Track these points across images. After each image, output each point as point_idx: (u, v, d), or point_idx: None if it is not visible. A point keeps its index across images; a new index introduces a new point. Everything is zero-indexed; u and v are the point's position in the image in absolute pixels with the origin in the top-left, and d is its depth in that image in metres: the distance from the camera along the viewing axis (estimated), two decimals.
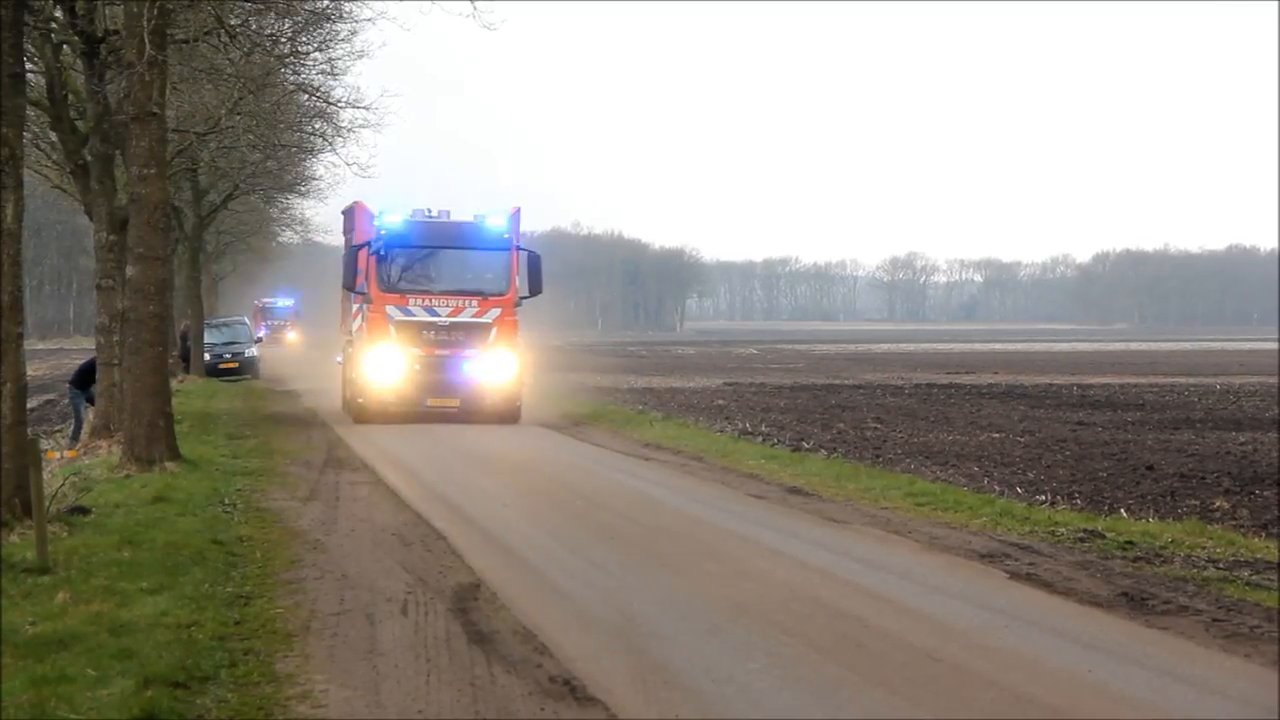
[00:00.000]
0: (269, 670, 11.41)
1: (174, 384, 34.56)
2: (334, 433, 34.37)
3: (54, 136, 32.87)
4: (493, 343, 36.32)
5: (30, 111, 27.98)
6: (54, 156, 35.83)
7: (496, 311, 36.45)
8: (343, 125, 47.02)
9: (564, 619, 13.39)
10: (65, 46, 30.33)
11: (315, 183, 66.77)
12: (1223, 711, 10.53)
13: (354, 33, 41.52)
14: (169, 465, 23.81)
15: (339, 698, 10.70)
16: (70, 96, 30.92)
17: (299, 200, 74.20)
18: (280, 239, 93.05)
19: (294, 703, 10.54)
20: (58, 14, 29.32)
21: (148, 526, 17.86)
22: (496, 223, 36.90)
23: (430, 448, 30.27)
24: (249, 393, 51.58)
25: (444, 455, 28.85)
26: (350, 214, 40.78)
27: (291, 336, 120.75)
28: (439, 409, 36.33)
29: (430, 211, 37.10)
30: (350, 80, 45.85)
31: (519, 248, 36.83)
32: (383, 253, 36.41)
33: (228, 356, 62.93)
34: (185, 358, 57.08)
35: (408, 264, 36.65)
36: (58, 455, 28.58)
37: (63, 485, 20.72)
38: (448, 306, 36.26)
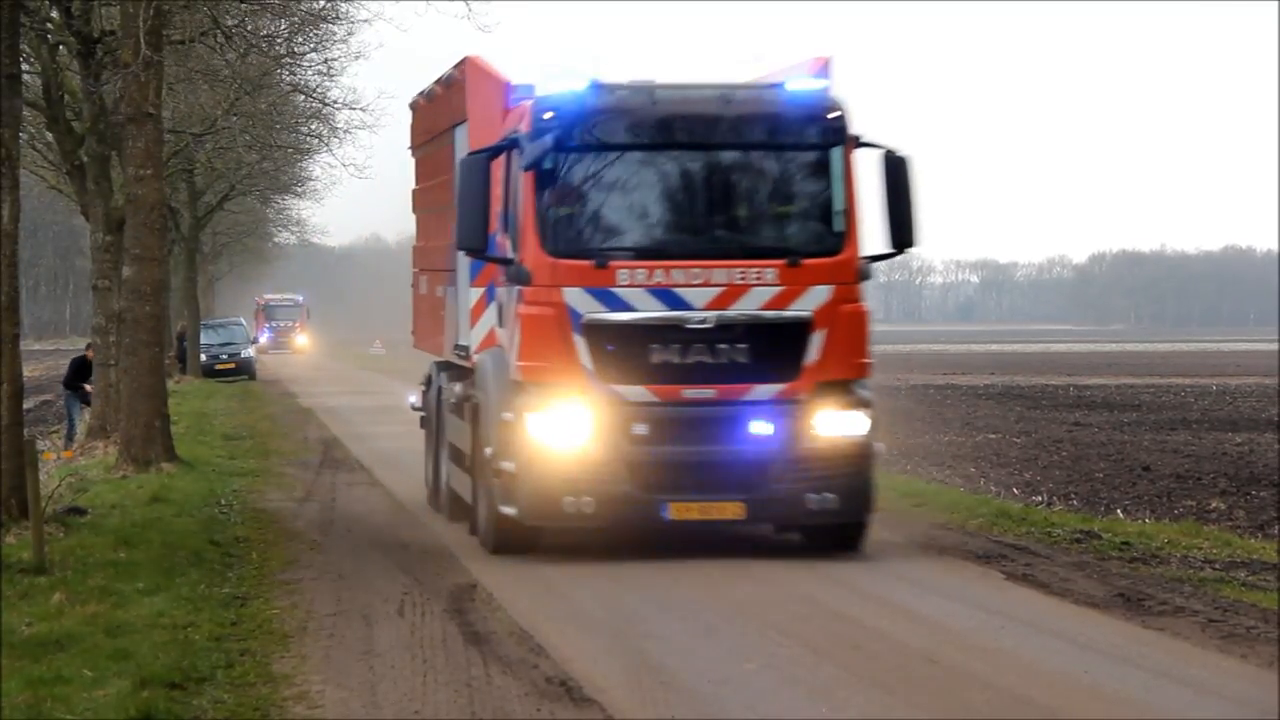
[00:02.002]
0: (265, 671, 11.42)
1: (171, 385, 34.50)
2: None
3: (50, 137, 32.81)
4: (814, 366, 16.44)
5: (26, 112, 27.94)
6: (50, 157, 35.77)
7: (820, 294, 16.44)
8: (339, 126, 47.04)
9: None
10: (61, 47, 30.29)
11: (311, 184, 66.82)
12: (1219, 712, 10.54)
13: (350, 34, 41.46)
14: (165, 466, 23.79)
15: (335, 698, 10.70)
16: (66, 97, 30.88)
17: (295, 201, 74.23)
18: (277, 239, 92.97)
19: (290, 703, 10.54)
20: (54, 14, 29.27)
21: (144, 527, 17.85)
22: (807, 87, 16.81)
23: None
24: (246, 393, 51.54)
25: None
26: (450, 92, 19.62)
27: (301, 341, 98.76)
28: (694, 524, 16.57)
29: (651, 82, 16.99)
30: (346, 81, 46.18)
31: (859, 140, 16.78)
32: (554, 165, 16.36)
33: (224, 357, 62.87)
34: (182, 358, 57.03)
35: (613, 190, 16.63)
36: (54, 456, 28.58)
37: (59, 486, 20.70)
38: (707, 287, 16.32)
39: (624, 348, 16.12)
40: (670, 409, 16.18)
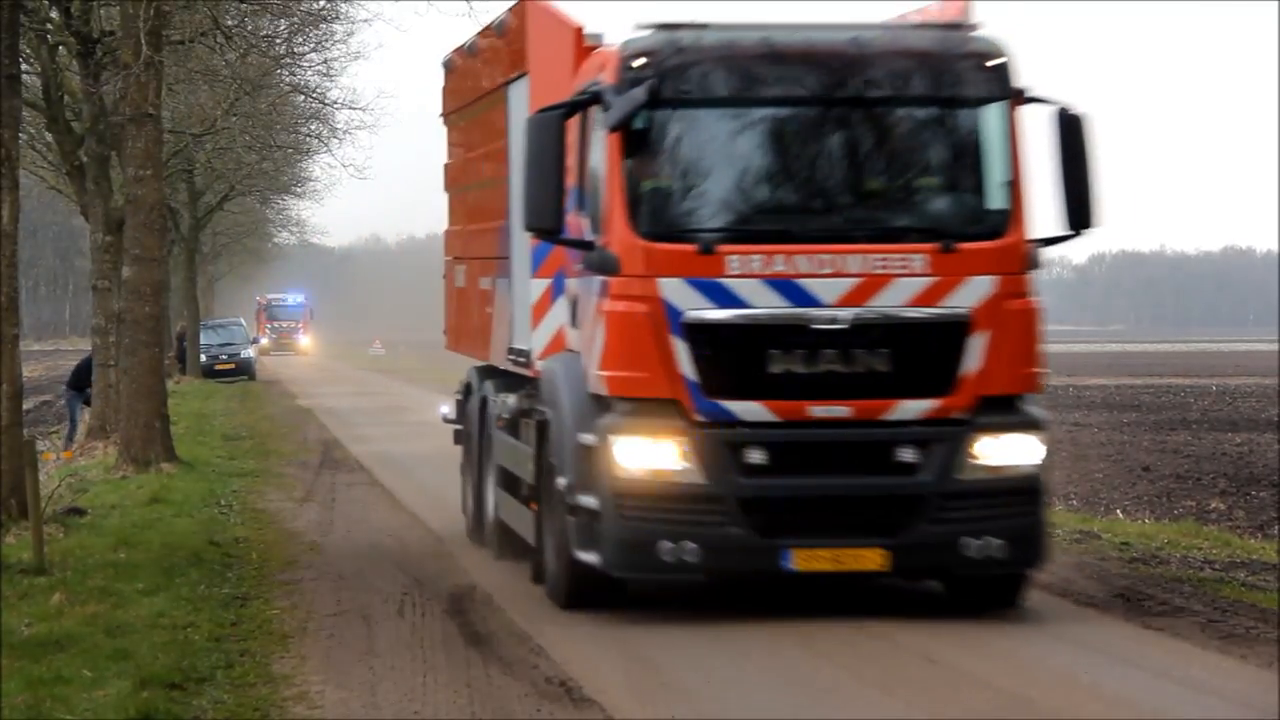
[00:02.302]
0: (265, 671, 11.41)
1: (170, 385, 34.49)
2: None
3: (50, 137, 32.82)
4: (973, 376, 13.17)
5: (26, 112, 27.95)
6: (50, 157, 35.79)
7: (980, 286, 13.19)
8: (339, 126, 47.09)
9: None
10: (61, 47, 30.29)
11: (311, 184, 66.89)
12: (1219, 712, 10.53)
13: (350, 34, 41.52)
14: (165, 466, 23.79)
15: (335, 698, 10.70)
16: (66, 97, 30.89)
17: (295, 201, 74.27)
18: (276, 240, 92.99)
19: (290, 704, 10.54)
20: (54, 15, 29.28)
21: (144, 528, 17.86)
22: (961, 28, 13.60)
23: None
24: (245, 394, 51.54)
25: None
26: (503, 42, 16.40)
27: (304, 342, 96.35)
28: (823, 573, 13.25)
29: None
30: (346, 82, 46.21)
31: (1025, 94, 13.47)
32: (648, 124, 13.16)
33: (224, 358, 62.91)
34: (182, 359, 57.06)
35: (721, 156, 13.41)
36: (54, 456, 28.58)
37: (59, 486, 20.71)
38: (839, 278, 13.11)
39: (735, 354, 12.87)
40: (794, 431, 12.90)
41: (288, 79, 42.07)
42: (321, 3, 37.72)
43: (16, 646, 11.58)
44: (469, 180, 18.27)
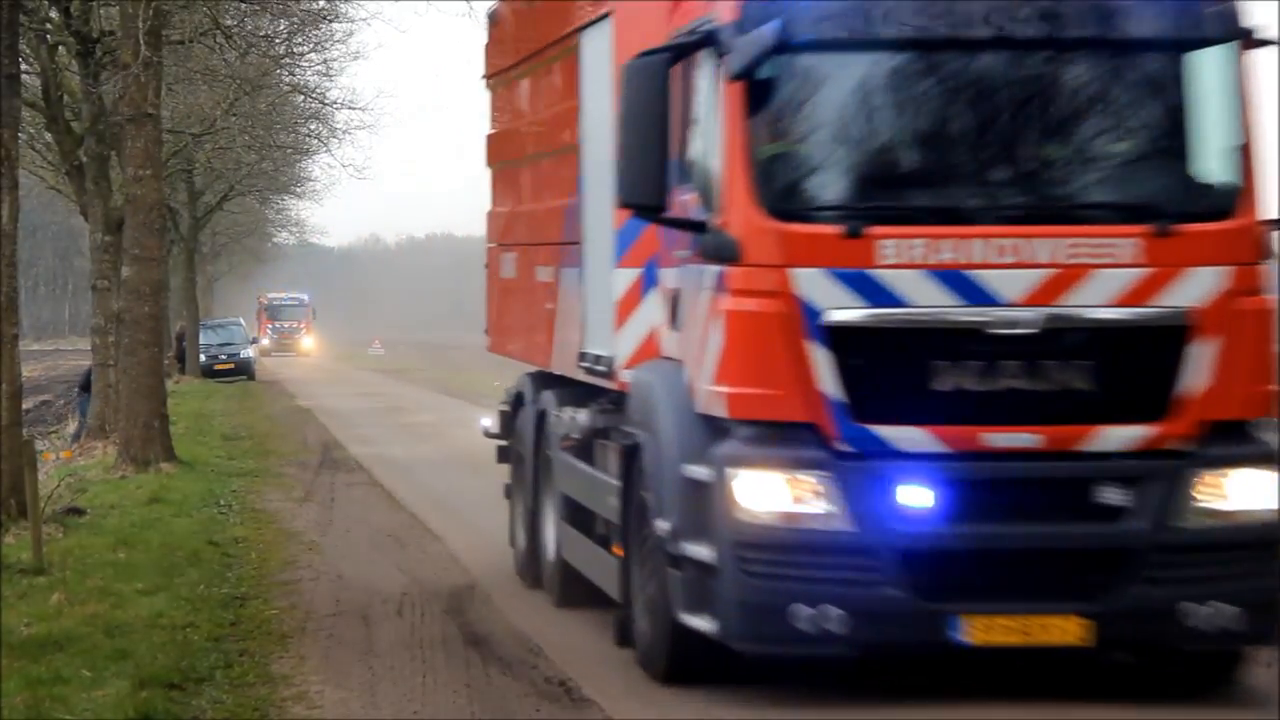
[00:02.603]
0: (264, 671, 11.41)
1: (170, 385, 34.48)
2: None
3: (49, 137, 32.83)
4: (1195, 396, 10.14)
5: (25, 112, 27.94)
6: (49, 157, 35.80)
7: (1203, 280, 10.15)
8: (338, 126, 47.16)
9: None
10: (60, 47, 30.31)
11: (311, 184, 66.96)
12: (1220, 713, 10.47)
13: (350, 34, 41.56)
14: (164, 466, 23.79)
15: (334, 699, 10.70)
16: (66, 97, 30.90)
17: (295, 201, 74.36)
18: (276, 240, 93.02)
19: (289, 704, 10.54)
20: (53, 15, 29.30)
21: (143, 527, 17.86)
22: None
23: None
24: (245, 394, 51.53)
25: None
26: None
27: (307, 343, 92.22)
28: (1005, 646, 10.21)
29: None
30: (346, 82, 46.44)
31: (1260, 38, 10.38)
32: (777, 74, 10.18)
33: (223, 358, 62.87)
34: (181, 359, 57.06)
35: (871, 114, 10.39)
36: (53, 456, 28.58)
37: (58, 486, 20.70)
38: (1023, 268, 10.11)
39: (891, 366, 10.01)
40: (967, 465, 10.05)
41: (287, 79, 42.12)
42: (321, 3, 37.78)
43: (16, 646, 11.58)
44: (524, 151, 15.41)
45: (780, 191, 10.11)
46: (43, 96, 30.36)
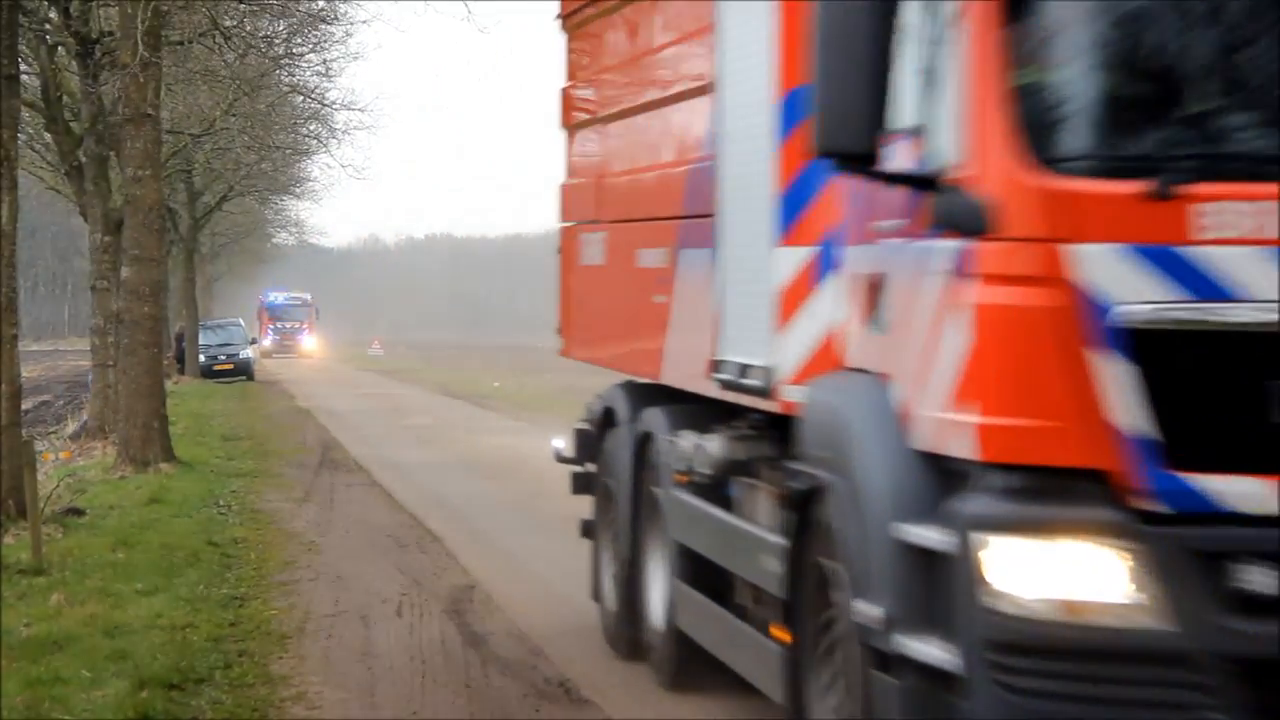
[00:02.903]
0: (264, 672, 11.40)
1: (169, 385, 34.46)
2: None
3: (49, 138, 32.86)
4: None
5: (25, 113, 27.97)
6: (49, 158, 35.83)
7: None
8: (337, 127, 47.19)
9: None
10: (60, 48, 30.32)
11: (310, 184, 66.99)
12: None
13: (349, 35, 41.62)
14: (164, 466, 23.79)
15: (334, 699, 10.70)
16: (65, 98, 30.91)
17: (294, 202, 74.38)
18: (275, 240, 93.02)
19: (289, 704, 10.53)
20: (52, 15, 29.31)
21: (142, 528, 17.85)
22: None
23: None
24: (244, 394, 51.53)
25: None
26: None
27: (309, 345, 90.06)
28: None
29: None
30: (345, 82, 46.60)
31: None
32: None
33: (223, 358, 62.87)
34: (180, 359, 57.07)
35: (1179, 34, 6.61)
36: (52, 456, 28.58)
37: (57, 487, 20.69)
38: None
39: (1221, 386, 6.56)
40: None
41: (286, 79, 42.16)
42: (320, 3, 37.83)
43: (15, 647, 11.58)
44: (623, 101, 12.04)
45: (1053, 134, 6.78)
46: (42, 97, 30.37)
